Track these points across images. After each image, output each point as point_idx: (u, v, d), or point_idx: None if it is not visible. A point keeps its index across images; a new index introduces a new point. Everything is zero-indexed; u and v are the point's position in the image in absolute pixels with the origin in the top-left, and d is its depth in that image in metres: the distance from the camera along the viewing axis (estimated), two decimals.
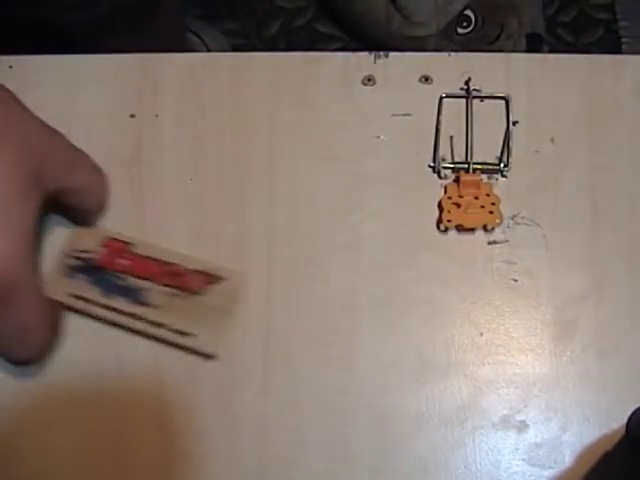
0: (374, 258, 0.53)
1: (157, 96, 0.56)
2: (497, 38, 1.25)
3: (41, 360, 0.50)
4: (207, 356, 0.51)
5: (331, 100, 0.55)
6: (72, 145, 0.51)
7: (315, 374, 0.51)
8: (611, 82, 0.55)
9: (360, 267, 0.53)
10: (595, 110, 0.55)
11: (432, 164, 0.54)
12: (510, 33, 1.25)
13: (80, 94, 0.56)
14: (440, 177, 0.54)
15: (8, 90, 0.49)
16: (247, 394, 0.51)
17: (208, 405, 0.51)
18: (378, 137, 0.55)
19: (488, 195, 0.53)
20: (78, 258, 0.51)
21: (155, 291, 0.50)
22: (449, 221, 0.53)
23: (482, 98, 0.55)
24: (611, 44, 1.36)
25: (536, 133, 0.55)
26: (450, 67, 0.56)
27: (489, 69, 0.56)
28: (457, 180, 0.54)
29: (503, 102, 0.55)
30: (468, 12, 1.23)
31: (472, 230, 0.53)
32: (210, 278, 0.51)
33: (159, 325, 0.50)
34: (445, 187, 0.54)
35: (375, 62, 0.56)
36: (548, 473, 0.50)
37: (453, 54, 0.56)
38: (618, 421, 0.50)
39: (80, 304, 0.50)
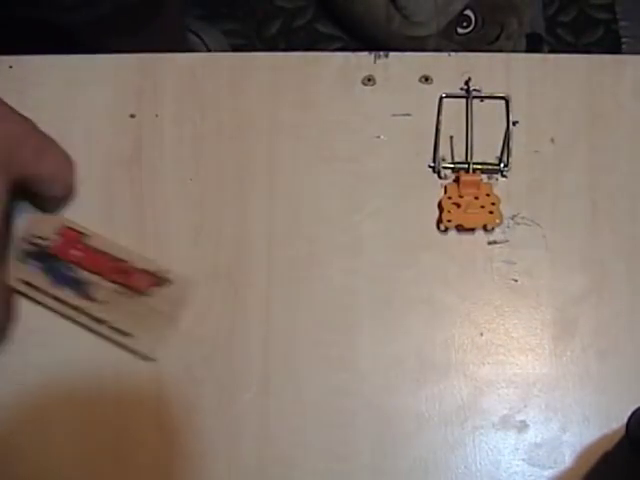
0: (374, 258, 0.53)
1: (157, 96, 0.56)
2: (497, 38, 1.25)
3: None
4: (144, 357, 0.51)
5: (331, 100, 0.55)
6: (41, 132, 0.51)
7: (315, 374, 0.51)
8: (611, 82, 0.55)
9: (360, 267, 0.53)
10: (595, 110, 0.55)
11: (432, 164, 0.54)
12: (510, 33, 1.25)
13: (80, 94, 0.56)
14: (440, 177, 0.54)
15: None
16: (247, 394, 0.51)
17: (208, 405, 0.51)
18: (378, 137, 0.55)
19: (488, 195, 0.53)
20: (33, 244, 0.51)
21: (102, 286, 0.51)
22: (449, 221, 0.53)
23: (482, 98, 0.55)
24: (611, 44, 1.36)
25: (536, 133, 0.55)
26: (450, 67, 0.56)
27: (489, 69, 0.56)
28: (457, 180, 0.54)
29: (503, 102, 0.55)
30: (468, 12, 1.23)
31: (472, 230, 0.53)
32: (157, 280, 0.51)
33: (101, 321, 0.50)
34: (445, 187, 0.54)
35: (375, 62, 0.56)
36: (548, 473, 0.50)
37: (453, 54, 0.56)
38: (618, 421, 0.50)
39: (30, 291, 0.51)
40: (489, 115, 0.55)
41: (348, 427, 0.51)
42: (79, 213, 0.54)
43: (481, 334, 0.52)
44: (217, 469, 0.50)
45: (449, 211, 0.53)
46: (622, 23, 1.37)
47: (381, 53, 0.56)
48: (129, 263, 0.51)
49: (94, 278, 0.51)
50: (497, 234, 0.53)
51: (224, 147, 0.55)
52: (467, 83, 0.55)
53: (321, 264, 0.53)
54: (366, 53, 0.56)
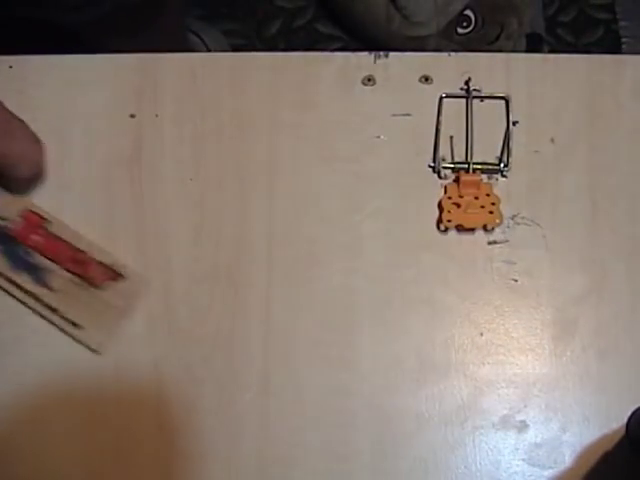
0: (374, 258, 0.53)
1: (157, 96, 0.56)
2: (497, 38, 1.24)
3: None
4: (92, 350, 0.51)
5: (331, 100, 0.55)
6: (8, 112, 0.51)
7: (315, 374, 0.51)
8: (611, 82, 0.55)
9: (360, 267, 0.53)
10: (595, 110, 0.55)
11: (432, 164, 0.54)
12: (510, 33, 1.24)
13: (80, 94, 0.56)
14: (440, 177, 0.54)
15: None
16: (247, 394, 0.51)
17: (208, 405, 0.51)
18: (378, 137, 0.55)
19: (488, 195, 0.53)
20: None
21: (58, 275, 0.51)
22: (449, 221, 0.53)
23: (482, 98, 0.55)
24: (611, 44, 1.36)
25: (536, 133, 0.55)
26: (450, 67, 0.56)
27: (489, 69, 0.56)
28: (457, 180, 0.54)
29: (503, 102, 0.55)
30: (468, 12, 1.23)
31: (472, 230, 0.53)
32: (113, 274, 0.51)
33: (53, 310, 0.51)
34: (445, 187, 0.54)
35: (375, 62, 0.56)
36: (548, 473, 0.50)
37: (453, 54, 0.56)
38: (618, 421, 0.50)
39: None
40: (489, 115, 0.55)
41: (348, 427, 0.51)
42: (79, 213, 0.54)
43: (481, 334, 0.52)
44: (217, 469, 0.50)
45: (449, 211, 0.53)
46: (622, 23, 1.37)
47: (381, 53, 0.56)
48: (88, 254, 0.51)
49: (52, 266, 0.51)
50: (497, 234, 0.53)
51: (224, 147, 0.55)
52: (467, 83, 0.55)
53: (321, 264, 0.53)
54: (366, 53, 0.56)
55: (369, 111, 0.55)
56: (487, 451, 0.50)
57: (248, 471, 0.50)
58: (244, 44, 1.35)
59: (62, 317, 0.50)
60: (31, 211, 0.52)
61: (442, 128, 0.55)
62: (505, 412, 0.51)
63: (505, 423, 0.51)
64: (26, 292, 0.51)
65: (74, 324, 0.50)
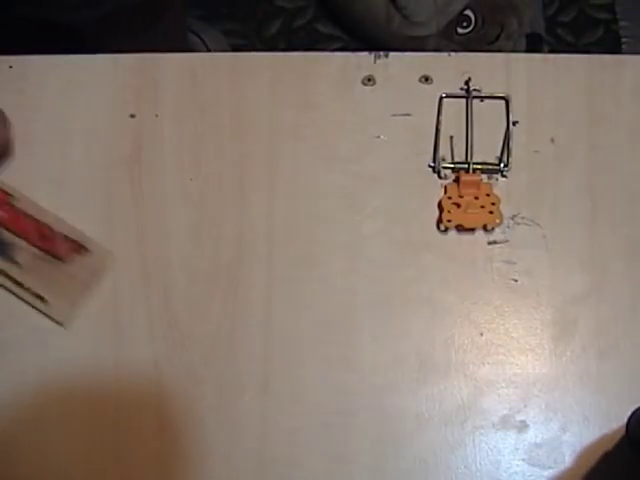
0: (374, 258, 0.53)
1: (157, 96, 0.56)
2: (497, 38, 1.24)
3: None
4: (57, 323, 0.51)
5: (331, 100, 0.55)
6: None
7: (315, 374, 0.51)
8: (611, 82, 0.55)
9: (360, 267, 0.53)
10: (595, 110, 0.55)
11: (432, 164, 0.54)
12: (510, 33, 1.24)
13: (80, 94, 0.56)
14: (440, 177, 0.54)
15: None
16: (247, 394, 0.51)
17: (208, 405, 0.51)
18: (378, 137, 0.55)
19: (488, 195, 0.53)
20: None
21: (24, 250, 0.51)
22: (449, 221, 0.53)
23: (482, 98, 0.55)
24: (611, 44, 1.36)
25: (536, 133, 0.55)
26: (450, 67, 0.56)
27: (489, 69, 0.56)
28: (457, 180, 0.54)
29: (503, 102, 0.55)
30: (468, 12, 1.23)
31: (472, 230, 0.53)
32: (79, 248, 0.52)
33: (19, 284, 0.51)
34: (445, 187, 0.54)
35: (375, 62, 0.56)
36: (548, 473, 0.50)
37: (453, 54, 0.56)
38: (618, 421, 0.50)
39: None
40: (489, 115, 0.55)
41: (348, 427, 0.51)
42: (79, 213, 0.54)
43: (481, 334, 0.52)
44: (217, 469, 0.50)
45: (449, 211, 0.53)
46: (622, 23, 1.37)
47: (381, 53, 0.56)
48: (53, 229, 0.52)
49: (17, 241, 0.51)
50: (497, 234, 0.53)
51: (224, 147, 0.55)
52: (467, 83, 0.55)
53: (321, 264, 0.53)
54: (366, 53, 0.56)
55: (369, 111, 0.55)
56: (487, 451, 0.50)
57: (248, 471, 0.50)
58: (244, 44, 1.35)
59: (28, 291, 0.51)
60: None
61: (442, 128, 0.55)
62: (505, 412, 0.51)
63: (505, 423, 0.51)
64: None
65: (40, 298, 0.51)
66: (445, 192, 0.54)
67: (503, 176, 0.54)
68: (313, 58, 0.56)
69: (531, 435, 0.51)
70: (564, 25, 1.38)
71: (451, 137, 0.55)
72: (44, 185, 0.54)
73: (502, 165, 0.54)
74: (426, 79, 0.56)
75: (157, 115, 0.55)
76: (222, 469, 0.50)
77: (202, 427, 0.51)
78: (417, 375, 0.51)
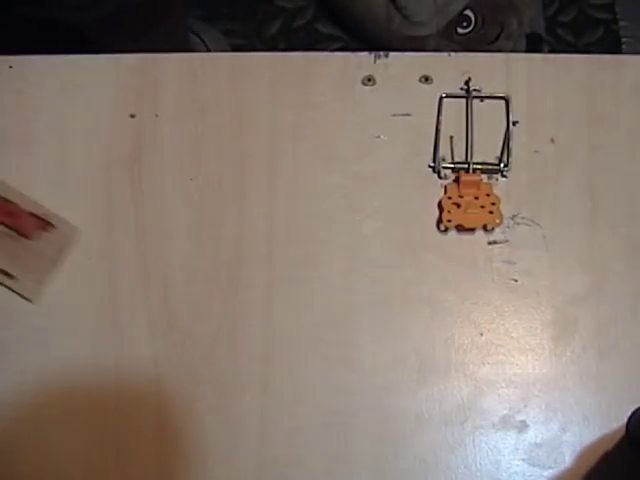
0: (374, 258, 0.53)
1: (157, 96, 0.56)
2: (497, 38, 1.24)
3: None
4: (26, 299, 0.52)
5: (331, 100, 0.55)
6: None
7: (315, 374, 0.51)
8: (611, 82, 0.55)
9: (360, 267, 0.53)
10: (595, 110, 0.55)
11: (432, 164, 0.54)
12: (510, 33, 1.24)
13: (80, 94, 0.56)
14: (440, 177, 0.54)
15: None
16: (247, 394, 0.51)
17: (208, 405, 0.51)
18: (378, 137, 0.55)
19: (488, 195, 0.53)
20: None
21: None
22: (449, 221, 0.53)
23: (482, 98, 0.55)
24: (611, 44, 1.36)
25: (536, 133, 0.55)
26: (450, 67, 0.56)
27: (489, 69, 0.56)
28: (457, 180, 0.54)
29: (503, 102, 0.55)
30: (468, 12, 1.23)
31: (472, 230, 0.53)
32: (44, 224, 0.51)
33: None
34: (445, 187, 0.54)
35: (375, 62, 0.56)
36: (548, 473, 0.50)
37: (453, 54, 0.56)
38: (618, 421, 0.50)
39: None
40: (489, 115, 0.55)
41: (348, 427, 0.51)
42: (79, 213, 0.54)
43: (481, 334, 0.52)
44: (217, 469, 0.50)
45: (449, 211, 0.53)
46: (622, 23, 1.37)
47: (381, 53, 0.56)
48: (18, 205, 0.51)
49: None
50: (497, 234, 0.53)
51: (224, 147, 0.55)
52: (467, 83, 0.55)
53: (321, 264, 0.53)
54: (366, 53, 0.56)
55: (369, 111, 0.55)
56: (487, 451, 0.50)
57: (248, 471, 0.50)
58: (244, 44, 1.35)
59: None
60: None
61: (442, 128, 0.55)
62: (505, 412, 0.51)
63: (505, 423, 0.51)
64: None
65: (7, 274, 0.51)
66: (445, 192, 0.54)
67: (503, 176, 0.54)
68: (313, 58, 0.56)
69: (531, 435, 0.51)
70: (564, 25, 1.38)
71: (451, 137, 0.55)
72: (44, 185, 0.54)
73: (502, 165, 0.54)
74: (426, 79, 0.56)
75: (157, 115, 0.55)
76: (222, 469, 0.50)
77: (202, 427, 0.51)
78: (417, 375, 0.51)
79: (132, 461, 0.50)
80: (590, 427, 0.50)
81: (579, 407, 0.51)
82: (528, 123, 0.55)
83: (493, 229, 0.53)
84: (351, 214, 0.54)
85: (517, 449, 0.50)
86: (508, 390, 0.51)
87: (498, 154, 0.54)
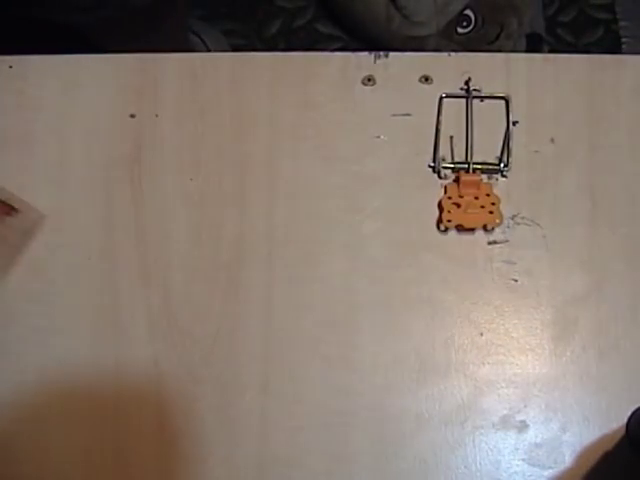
0: (374, 258, 0.53)
1: (157, 96, 0.56)
2: (497, 38, 1.24)
3: None
4: None
5: (331, 100, 0.55)
6: None
7: (315, 374, 0.51)
8: (611, 82, 0.55)
9: (360, 267, 0.53)
10: (595, 110, 0.55)
11: (432, 164, 0.54)
12: (510, 33, 1.24)
13: (80, 94, 0.56)
14: (440, 177, 0.54)
15: None
16: (247, 394, 0.51)
17: (208, 405, 0.51)
18: (378, 137, 0.55)
19: (488, 195, 0.53)
20: None
21: None
22: (449, 221, 0.53)
23: (482, 98, 0.55)
24: (611, 44, 1.36)
25: (536, 133, 0.55)
26: (450, 67, 0.56)
27: (489, 69, 0.56)
28: (457, 180, 0.54)
29: (503, 102, 0.55)
30: (468, 12, 1.23)
31: (472, 230, 0.53)
32: (8, 209, 0.50)
33: None
34: (445, 187, 0.54)
35: (375, 62, 0.56)
36: (548, 473, 0.50)
37: (453, 54, 0.56)
38: (618, 421, 0.50)
39: None
40: (489, 115, 0.55)
41: (348, 427, 0.51)
42: (79, 213, 0.54)
43: (481, 334, 0.52)
44: (217, 469, 0.50)
45: (449, 211, 0.53)
46: (622, 23, 1.37)
47: (381, 53, 0.56)
48: None
49: None
50: (497, 234, 0.53)
51: (224, 147, 0.55)
52: (467, 83, 0.55)
53: (321, 264, 0.53)
54: (366, 53, 0.56)
55: (369, 111, 0.55)
56: (487, 451, 0.50)
57: (248, 471, 0.50)
58: (244, 44, 1.35)
59: None
60: None
61: (442, 128, 0.55)
62: (505, 412, 0.51)
63: (505, 423, 0.51)
64: None
65: None
66: (445, 192, 0.54)
67: (503, 176, 0.54)
68: (313, 58, 0.56)
69: (531, 435, 0.51)
70: (564, 25, 1.38)
71: (451, 137, 0.55)
72: (44, 185, 0.54)
73: (502, 165, 0.54)
74: (426, 79, 0.56)
75: (157, 115, 0.55)
76: (222, 469, 0.50)
77: (202, 427, 0.51)
78: (417, 375, 0.51)
79: (132, 461, 0.51)
80: (590, 427, 0.50)
81: (579, 407, 0.51)
82: (528, 123, 0.55)
83: (493, 229, 0.53)
84: (351, 214, 0.54)
85: (517, 449, 0.50)
86: (508, 390, 0.51)
87: (498, 154, 0.54)
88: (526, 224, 0.53)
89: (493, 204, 0.53)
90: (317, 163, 0.55)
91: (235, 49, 1.33)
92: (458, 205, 0.53)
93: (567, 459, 0.50)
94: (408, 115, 0.55)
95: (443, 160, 0.54)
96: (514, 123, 0.55)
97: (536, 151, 0.54)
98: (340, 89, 0.56)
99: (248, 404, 0.51)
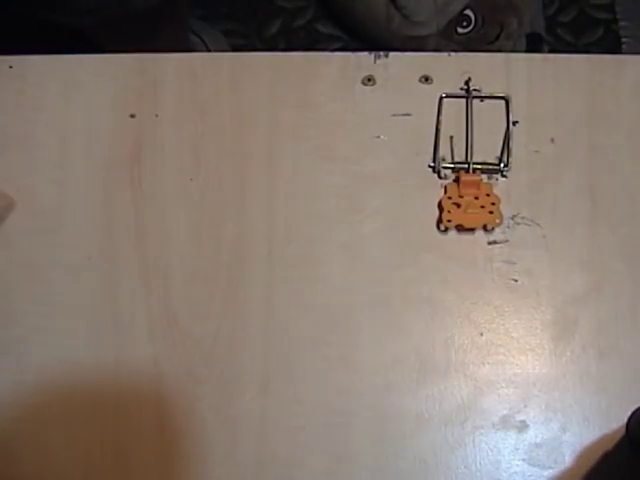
0: (374, 258, 0.53)
1: (157, 96, 0.56)
2: (497, 38, 1.24)
3: None
4: None
5: (331, 100, 0.55)
6: None
7: (315, 374, 0.51)
8: (611, 82, 0.55)
9: (360, 267, 0.53)
10: (595, 110, 0.55)
11: (432, 164, 0.54)
12: (510, 33, 1.24)
13: (80, 94, 0.56)
14: (440, 177, 0.54)
15: None
16: (247, 394, 0.51)
17: (208, 405, 0.51)
18: (378, 137, 0.55)
19: (488, 195, 0.53)
20: None
21: None
22: (449, 221, 0.53)
23: (482, 98, 0.55)
24: (611, 44, 1.36)
25: (536, 133, 0.55)
26: (450, 67, 0.56)
27: (489, 69, 0.56)
28: (457, 180, 0.54)
29: (503, 102, 0.55)
30: (468, 12, 1.23)
31: (472, 230, 0.53)
32: None
33: None
34: (445, 187, 0.54)
35: (375, 62, 0.56)
36: (548, 473, 0.50)
37: (453, 54, 0.56)
38: (618, 421, 0.50)
39: None
40: (489, 115, 0.55)
41: (348, 427, 0.51)
42: (79, 213, 0.54)
43: (481, 334, 0.52)
44: (217, 469, 0.50)
45: (449, 211, 0.53)
46: (622, 23, 1.37)
47: (381, 53, 0.56)
48: None
49: None
50: (497, 234, 0.53)
51: (224, 147, 0.55)
52: (467, 83, 0.55)
53: (321, 264, 0.53)
54: (366, 53, 0.56)
55: (369, 111, 0.55)
56: (487, 451, 0.50)
57: (248, 471, 0.50)
58: (244, 44, 1.35)
59: None
60: None
61: (442, 128, 0.55)
62: (505, 412, 0.51)
63: (505, 423, 0.51)
64: None
65: None
66: (445, 192, 0.54)
67: (503, 176, 0.54)
68: (313, 58, 0.56)
69: (531, 435, 0.51)
70: (564, 25, 1.38)
71: (451, 137, 0.55)
72: (44, 185, 0.54)
73: (502, 165, 0.54)
74: (426, 79, 0.56)
75: (157, 115, 0.55)
76: (222, 469, 0.50)
77: (202, 427, 0.51)
78: (417, 375, 0.51)
79: (132, 461, 0.51)
80: (590, 427, 0.50)
81: (579, 407, 0.51)
82: (528, 123, 0.55)
83: (493, 229, 0.53)
84: (351, 214, 0.54)
85: (517, 449, 0.50)
86: (508, 390, 0.51)
87: (498, 154, 0.54)
88: (526, 224, 0.53)
89: (493, 204, 0.53)
90: (317, 163, 0.55)
91: (235, 49, 1.33)
92: (458, 205, 0.53)
93: (567, 459, 0.50)
94: (408, 115, 0.55)
95: (443, 160, 0.54)
96: (514, 123, 0.55)
97: (536, 151, 0.54)
98: (340, 89, 0.56)
99: (248, 404, 0.51)
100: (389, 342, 0.52)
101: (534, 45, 1.30)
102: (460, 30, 1.25)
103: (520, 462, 0.50)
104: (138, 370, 0.51)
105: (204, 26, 1.31)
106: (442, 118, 0.55)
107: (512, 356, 0.52)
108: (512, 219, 0.53)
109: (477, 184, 0.53)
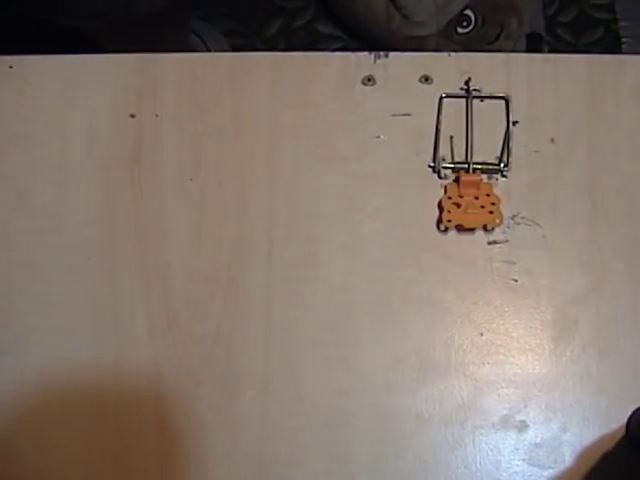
0: (374, 258, 0.53)
1: (157, 96, 0.56)
2: (497, 38, 1.24)
3: None
4: None
5: (331, 100, 0.55)
6: None
7: (315, 374, 0.51)
8: (611, 82, 0.55)
9: (360, 267, 0.53)
10: (595, 110, 0.55)
11: (432, 164, 0.54)
12: (510, 33, 1.24)
13: (80, 94, 0.56)
14: (440, 177, 0.54)
15: None
16: (247, 394, 0.51)
17: (208, 405, 0.51)
18: (378, 137, 0.55)
19: (488, 195, 0.53)
20: None
21: None
22: (449, 221, 0.53)
23: (482, 98, 0.55)
24: (611, 44, 1.36)
25: (536, 133, 0.55)
26: (450, 67, 0.56)
27: (489, 69, 0.56)
28: (457, 180, 0.54)
29: (503, 102, 0.55)
30: (468, 12, 1.23)
31: (472, 230, 0.53)
32: None
33: None
34: (445, 187, 0.54)
35: (375, 62, 0.56)
36: (548, 473, 0.50)
37: (453, 54, 0.56)
38: (618, 421, 0.50)
39: None
40: (489, 115, 0.55)
41: (348, 427, 0.51)
42: (79, 213, 0.54)
43: (481, 334, 0.52)
44: (217, 469, 0.50)
45: (449, 211, 0.53)
46: (622, 23, 1.37)
47: (381, 53, 0.56)
48: None
49: None
50: (497, 234, 0.53)
51: (224, 147, 0.55)
52: (467, 83, 0.55)
53: (321, 264, 0.53)
54: (366, 53, 0.56)
55: (369, 111, 0.55)
56: (487, 451, 0.50)
57: (248, 471, 0.50)
58: (244, 44, 1.35)
59: None
60: None
61: (442, 128, 0.55)
62: (505, 412, 0.51)
63: (505, 423, 0.51)
64: None
65: None
66: (445, 192, 0.54)
67: (503, 176, 0.54)
68: (313, 58, 0.56)
69: (531, 435, 0.51)
70: (564, 25, 1.38)
71: (451, 137, 0.55)
72: (44, 185, 0.54)
73: (502, 165, 0.54)
74: (426, 79, 0.56)
75: (157, 115, 0.55)
76: (222, 469, 0.50)
77: (202, 427, 0.51)
78: (417, 375, 0.51)
79: (132, 461, 0.51)
80: (590, 427, 0.50)
81: (579, 407, 0.51)
82: (528, 123, 0.55)
83: (493, 229, 0.53)
84: (351, 214, 0.54)
85: (517, 449, 0.50)
86: (508, 390, 0.51)
87: (498, 154, 0.54)
88: (526, 224, 0.53)
89: (493, 204, 0.53)
90: (317, 163, 0.55)
91: (235, 49, 1.33)
92: (458, 205, 0.53)
93: (567, 459, 0.50)
94: (408, 115, 0.55)
95: (443, 160, 0.54)
96: (514, 123, 0.55)
97: (536, 151, 0.54)
98: (340, 89, 0.56)
99: (248, 404, 0.51)
100: (389, 342, 0.52)
101: (534, 45, 1.30)
102: (460, 30, 1.25)
103: (520, 462, 0.50)
104: (138, 370, 0.51)
105: (204, 26, 1.31)
106: (442, 118, 0.55)
107: (512, 356, 0.52)
108: (512, 219, 0.53)
109: (477, 184, 0.53)
